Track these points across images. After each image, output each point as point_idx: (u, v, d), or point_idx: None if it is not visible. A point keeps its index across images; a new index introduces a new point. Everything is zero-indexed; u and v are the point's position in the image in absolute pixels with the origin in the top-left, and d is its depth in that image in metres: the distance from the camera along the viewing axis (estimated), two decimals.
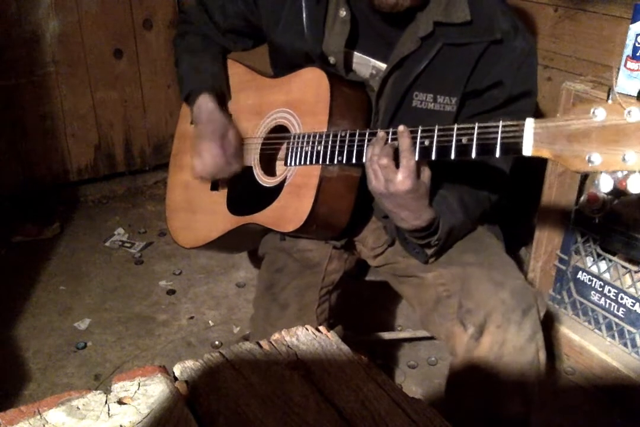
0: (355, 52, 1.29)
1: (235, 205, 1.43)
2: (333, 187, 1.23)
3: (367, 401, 0.71)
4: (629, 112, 0.80)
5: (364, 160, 1.13)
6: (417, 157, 1.05)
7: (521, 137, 0.90)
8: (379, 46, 1.26)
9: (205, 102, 1.40)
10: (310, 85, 1.28)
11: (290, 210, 1.27)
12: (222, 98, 1.46)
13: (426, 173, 1.10)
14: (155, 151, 2.82)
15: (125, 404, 0.70)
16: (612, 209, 1.61)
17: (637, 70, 1.49)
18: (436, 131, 1.02)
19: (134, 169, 2.82)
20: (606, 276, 1.72)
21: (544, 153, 0.88)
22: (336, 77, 1.25)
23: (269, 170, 1.39)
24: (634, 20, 1.51)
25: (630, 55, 1.51)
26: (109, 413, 0.68)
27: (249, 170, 1.41)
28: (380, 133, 1.10)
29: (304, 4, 1.26)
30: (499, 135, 0.93)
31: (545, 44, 2.00)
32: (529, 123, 0.89)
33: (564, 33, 1.95)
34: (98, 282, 2.23)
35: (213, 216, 1.47)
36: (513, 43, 1.21)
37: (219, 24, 1.46)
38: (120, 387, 0.72)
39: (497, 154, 0.94)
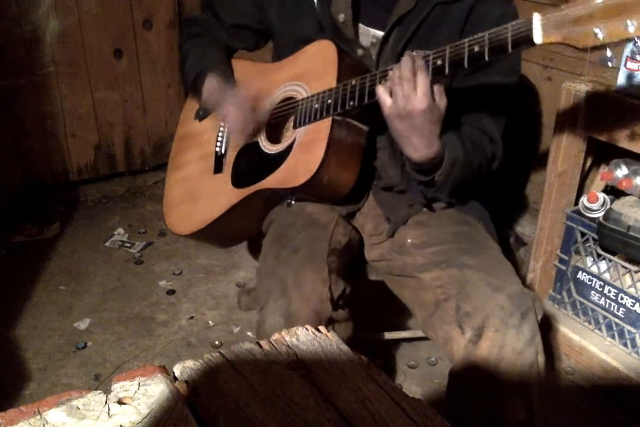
0: (359, 24, 1.34)
1: (241, 180, 1.42)
2: (343, 140, 1.26)
3: (367, 401, 0.71)
4: None
5: (378, 92, 1.14)
6: (430, 75, 1.09)
7: (531, 29, 0.97)
8: (378, 15, 1.32)
9: (213, 80, 1.43)
10: (316, 54, 1.33)
11: (300, 164, 1.27)
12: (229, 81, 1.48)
13: (443, 100, 1.13)
14: (155, 151, 2.82)
15: (125, 404, 0.70)
16: (612, 209, 1.61)
17: (637, 70, 1.49)
18: (447, 49, 1.07)
19: (134, 169, 2.82)
20: (606, 276, 1.72)
21: (554, 38, 0.96)
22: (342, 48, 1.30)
23: (276, 141, 1.40)
24: None
25: (630, 55, 1.51)
26: (109, 413, 0.68)
27: (255, 145, 1.41)
28: (405, 56, 1.12)
29: None
30: (510, 33, 0.99)
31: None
32: (536, 17, 0.97)
33: None
34: (98, 282, 2.23)
35: (216, 196, 1.46)
36: (498, 3, 1.28)
37: (224, 20, 1.49)
38: (120, 387, 0.72)
39: (510, 49, 1.00)
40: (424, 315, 1.30)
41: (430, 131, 1.14)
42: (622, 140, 1.54)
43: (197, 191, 1.53)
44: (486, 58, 1.02)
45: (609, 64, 0.95)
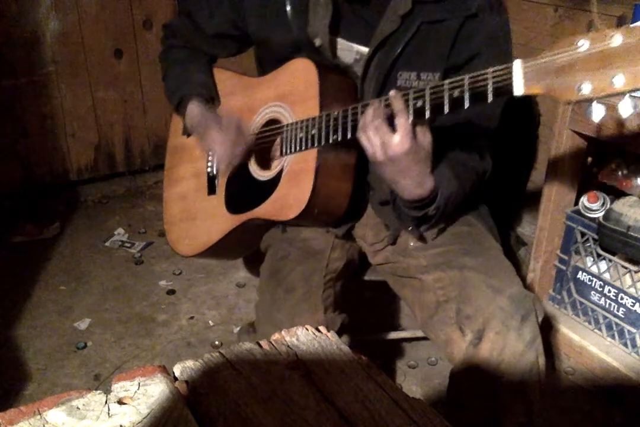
0: (339, 39, 1.30)
1: (234, 205, 1.43)
2: (331, 169, 1.23)
3: (367, 401, 0.71)
4: (611, 38, 0.82)
5: (360, 140, 1.11)
6: (411, 118, 1.04)
7: (511, 78, 0.91)
8: (361, 30, 1.27)
9: (196, 109, 1.43)
10: (297, 74, 1.29)
11: (290, 197, 1.27)
12: (212, 103, 1.48)
13: (427, 138, 1.08)
14: (155, 151, 2.82)
15: (125, 404, 0.70)
16: (612, 209, 1.61)
17: None
18: (427, 91, 1.02)
19: (134, 169, 2.82)
20: (606, 276, 1.72)
21: (535, 90, 0.89)
22: (323, 64, 1.26)
23: (265, 165, 1.39)
24: (634, 20, 1.51)
25: None
26: (109, 413, 0.68)
27: (244, 167, 1.41)
28: (372, 101, 1.10)
29: None
30: (490, 81, 0.94)
31: (545, 44, 2.00)
32: (517, 64, 0.91)
33: (564, 33, 1.95)
34: (98, 282, 2.23)
35: (212, 219, 1.47)
36: (488, 17, 1.23)
37: (204, 30, 1.46)
38: (120, 387, 0.72)
39: (490, 99, 0.95)
40: (425, 316, 1.30)
41: (418, 172, 1.11)
42: (622, 140, 1.54)
43: (193, 211, 1.55)
44: (465, 105, 0.97)
45: (595, 119, 0.87)
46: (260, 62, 1.47)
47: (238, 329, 2.00)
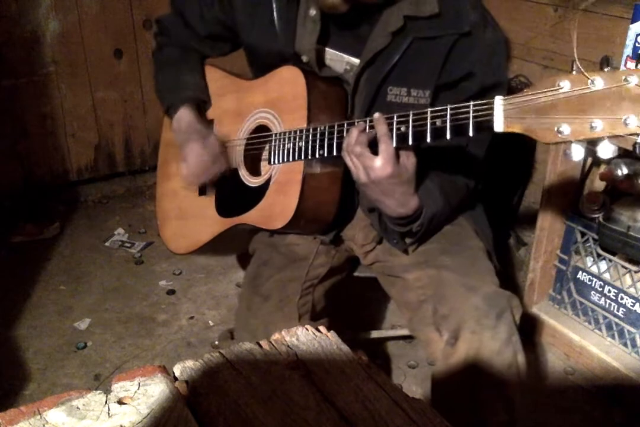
0: (328, 49, 1.29)
1: (224, 208, 1.44)
2: (317, 181, 1.24)
3: (367, 401, 0.71)
4: (592, 82, 0.81)
5: (345, 160, 1.13)
6: (394, 143, 1.05)
7: (492, 114, 0.91)
8: (350, 42, 1.26)
9: (185, 114, 1.43)
10: (286, 83, 1.29)
11: (277, 207, 1.28)
12: (202, 107, 1.49)
13: (411, 160, 1.10)
14: (155, 151, 2.79)
15: (125, 404, 0.70)
16: (612, 209, 1.61)
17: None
18: (411, 116, 1.03)
19: (134, 169, 2.82)
20: (606, 276, 1.72)
21: (515, 128, 0.89)
22: (312, 73, 1.26)
23: (254, 171, 1.40)
24: (634, 20, 1.51)
25: (630, 55, 1.51)
26: (109, 413, 0.68)
27: (234, 172, 1.42)
28: (355, 123, 1.11)
29: (274, 5, 1.27)
30: (471, 115, 0.95)
31: (545, 44, 2.00)
32: (498, 100, 0.91)
33: (564, 33, 1.95)
34: (98, 282, 2.23)
35: (203, 220, 1.48)
36: (482, 35, 1.22)
37: (196, 31, 1.46)
38: (120, 387, 0.72)
39: (471, 133, 0.95)
40: (408, 316, 1.31)
41: (401, 194, 1.12)
42: None
43: (185, 209, 1.56)
44: (447, 137, 0.98)
45: (575, 158, 0.86)
46: (250, 64, 1.47)
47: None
